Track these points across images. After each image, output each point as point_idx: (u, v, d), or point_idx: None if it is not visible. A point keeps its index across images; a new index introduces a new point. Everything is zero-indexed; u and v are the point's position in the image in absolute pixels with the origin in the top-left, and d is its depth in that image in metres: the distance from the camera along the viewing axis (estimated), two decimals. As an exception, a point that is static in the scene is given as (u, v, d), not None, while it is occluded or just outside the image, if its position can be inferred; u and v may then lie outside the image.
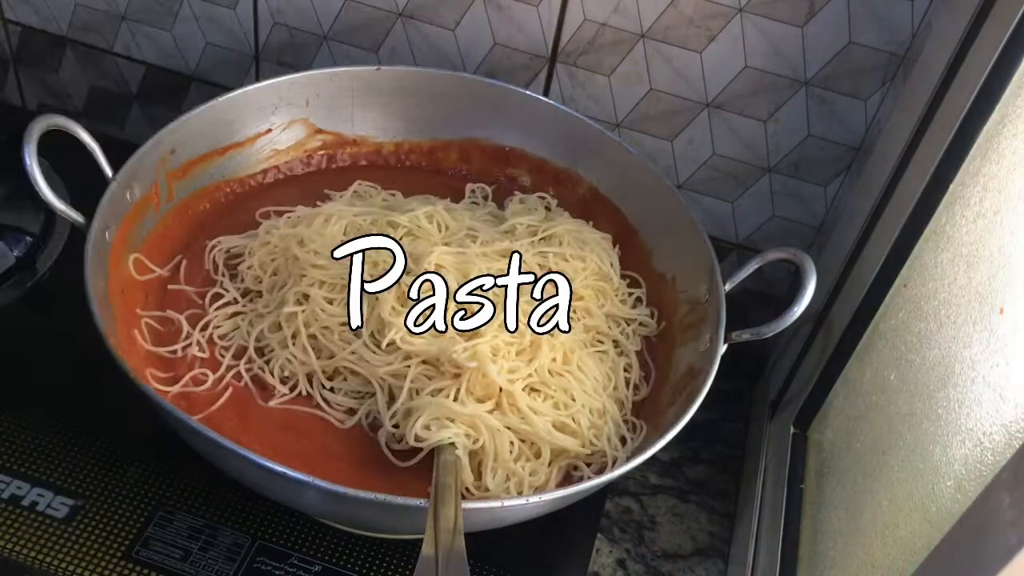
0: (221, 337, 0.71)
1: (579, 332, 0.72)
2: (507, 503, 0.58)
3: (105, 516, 0.67)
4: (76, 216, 0.67)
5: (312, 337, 0.68)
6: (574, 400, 0.67)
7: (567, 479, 0.67)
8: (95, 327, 0.61)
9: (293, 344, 0.68)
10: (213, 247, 0.77)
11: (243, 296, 0.74)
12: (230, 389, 0.68)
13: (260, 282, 0.74)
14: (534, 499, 0.58)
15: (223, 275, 0.75)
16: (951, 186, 0.57)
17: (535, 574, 0.70)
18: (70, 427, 0.71)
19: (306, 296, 0.70)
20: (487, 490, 0.63)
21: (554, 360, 0.68)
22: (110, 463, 0.70)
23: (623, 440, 0.69)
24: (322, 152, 0.86)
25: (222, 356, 0.70)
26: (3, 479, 0.68)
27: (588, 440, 0.66)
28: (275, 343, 0.69)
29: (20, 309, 0.79)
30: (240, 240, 0.77)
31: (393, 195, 0.83)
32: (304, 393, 0.68)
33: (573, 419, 0.66)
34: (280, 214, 0.79)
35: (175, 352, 0.70)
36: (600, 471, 0.66)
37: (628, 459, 0.63)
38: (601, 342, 0.74)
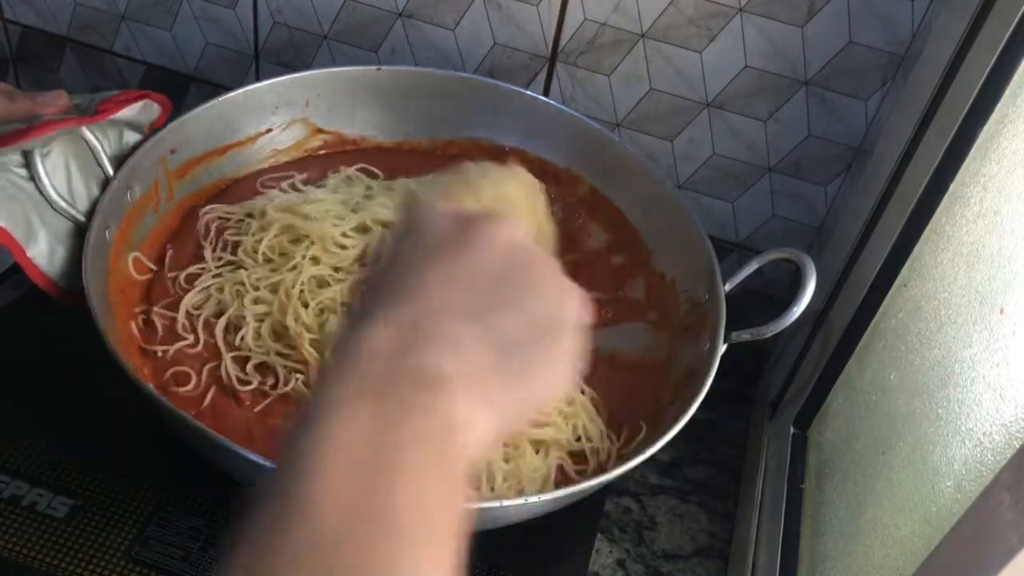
0: (196, 307, 0.72)
1: None
2: (507, 503, 0.58)
3: (105, 516, 0.67)
4: (77, 214, 0.67)
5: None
6: None
7: (564, 478, 0.67)
8: (95, 326, 0.61)
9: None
10: (206, 213, 0.78)
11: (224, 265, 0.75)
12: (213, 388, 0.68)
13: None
14: (533, 499, 0.58)
15: (211, 242, 0.76)
16: (951, 186, 0.57)
17: (535, 574, 0.70)
18: (70, 427, 0.71)
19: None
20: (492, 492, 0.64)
21: None
22: (110, 463, 0.70)
23: (602, 432, 0.69)
24: (322, 152, 0.86)
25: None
26: (3, 479, 0.68)
27: (563, 427, 0.67)
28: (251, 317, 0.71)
29: (20, 309, 0.79)
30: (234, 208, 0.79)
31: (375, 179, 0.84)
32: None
33: (539, 411, 0.67)
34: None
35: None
36: (595, 470, 0.67)
37: (628, 459, 0.63)
38: None
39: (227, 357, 0.69)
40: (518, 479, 0.64)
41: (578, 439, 0.68)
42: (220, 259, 0.75)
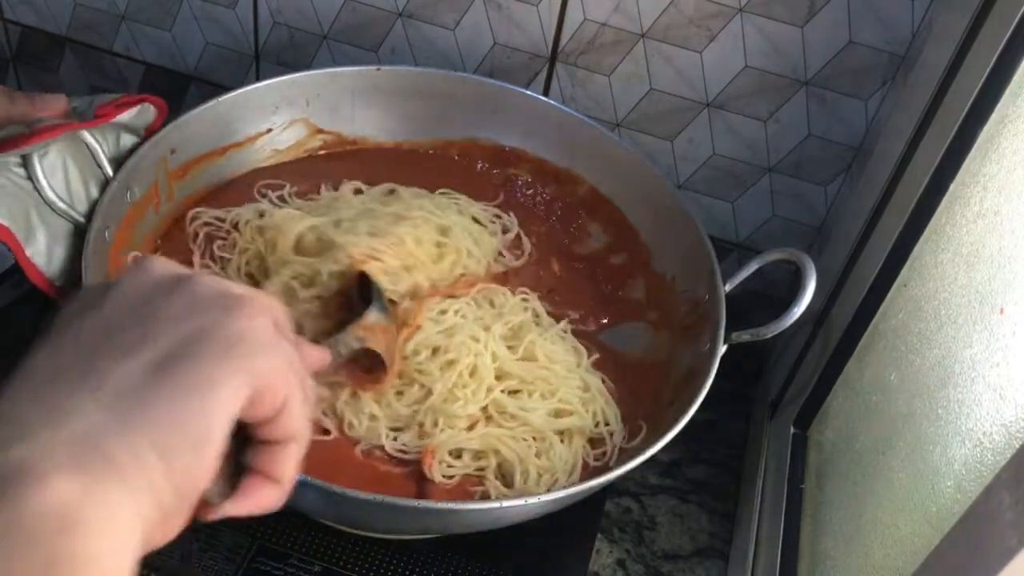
0: None
1: (525, 314, 0.73)
2: (507, 503, 0.58)
3: (105, 516, 0.67)
4: (77, 216, 0.67)
5: None
6: (552, 384, 0.69)
7: (583, 465, 0.68)
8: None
9: None
10: (194, 219, 0.77)
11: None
12: None
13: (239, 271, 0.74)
14: (532, 499, 0.58)
15: (199, 247, 0.76)
16: (951, 186, 0.57)
17: (535, 574, 0.70)
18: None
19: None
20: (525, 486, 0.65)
21: (527, 360, 0.70)
22: (110, 463, 0.70)
23: (617, 416, 0.70)
24: (322, 152, 0.86)
25: None
26: (3, 479, 0.67)
27: (584, 414, 0.68)
28: None
29: (20, 309, 0.79)
30: (222, 212, 0.78)
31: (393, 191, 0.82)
32: None
33: (561, 400, 0.68)
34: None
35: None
36: (612, 453, 0.68)
37: (628, 459, 0.63)
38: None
39: None
40: (552, 473, 0.65)
41: (596, 424, 0.69)
42: (208, 267, 0.74)
